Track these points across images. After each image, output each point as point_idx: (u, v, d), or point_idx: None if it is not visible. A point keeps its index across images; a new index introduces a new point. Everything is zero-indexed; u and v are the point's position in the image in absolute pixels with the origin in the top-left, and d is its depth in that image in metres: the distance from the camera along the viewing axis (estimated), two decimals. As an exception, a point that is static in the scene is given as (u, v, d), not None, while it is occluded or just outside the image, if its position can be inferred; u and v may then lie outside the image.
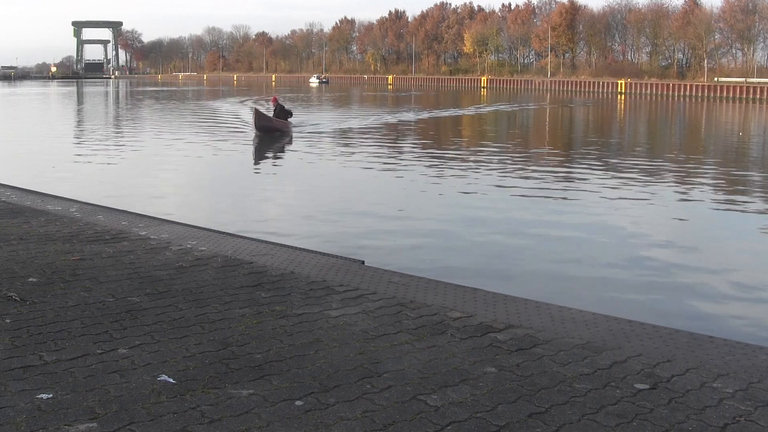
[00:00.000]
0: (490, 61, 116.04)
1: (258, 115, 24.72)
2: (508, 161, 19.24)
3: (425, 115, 40.12)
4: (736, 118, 43.53)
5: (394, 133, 27.68)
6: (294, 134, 25.09)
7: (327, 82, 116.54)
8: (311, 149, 21.43)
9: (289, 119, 26.08)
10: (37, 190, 11.02)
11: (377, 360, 4.04)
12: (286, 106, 27.45)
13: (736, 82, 72.00)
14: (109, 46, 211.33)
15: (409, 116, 38.22)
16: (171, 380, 3.71)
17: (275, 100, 26.60)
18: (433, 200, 13.07)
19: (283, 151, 21.53)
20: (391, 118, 35.71)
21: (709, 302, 7.45)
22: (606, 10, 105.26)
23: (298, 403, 3.48)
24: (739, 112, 49.67)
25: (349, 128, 29.23)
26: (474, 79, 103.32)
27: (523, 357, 4.15)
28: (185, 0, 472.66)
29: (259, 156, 21.00)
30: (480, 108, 49.23)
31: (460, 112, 44.72)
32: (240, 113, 37.72)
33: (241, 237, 7.70)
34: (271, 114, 25.66)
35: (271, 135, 24.23)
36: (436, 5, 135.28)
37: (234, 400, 3.50)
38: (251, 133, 25.13)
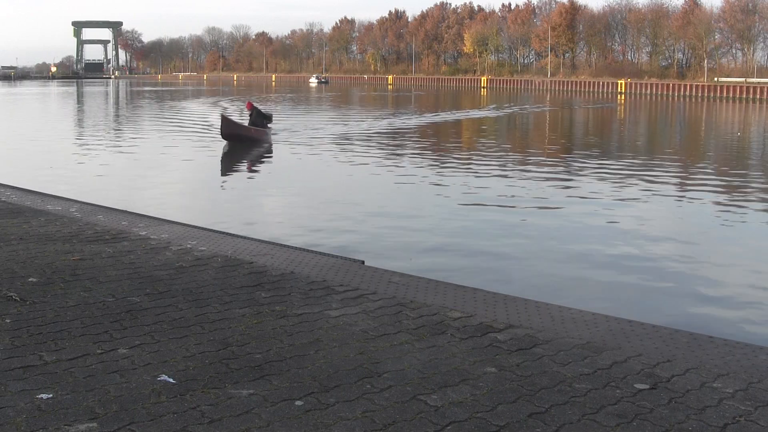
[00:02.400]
0: (490, 61, 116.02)
1: (224, 122, 21.63)
2: (509, 162, 19.24)
3: (426, 117, 40.08)
4: (736, 118, 43.52)
5: (394, 135, 27.60)
6: (274, 140, 22.85)
7: (327, 82, 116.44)
8: (308, 152, 21.34)
9: (268, 125, 23.52)
10: (37, 190, 11.03)
11: (377, 360, 4.04)
12: (264, 110, 24.38)
13: (736, 82, 71.97)
14: (109, 46, 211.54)
15: (410, 118, 38.17)
16: (171, 380, 3.71)
17: (250, 106, 23.69)
18: (433, 200, 13.07)
19: (275, 154, 20.72)
20: (390, 121, 35.59)
21: (709, 302, 7.44)
22: (606, 10, 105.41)
23: (298, 403, 3.48)
24: (739, 112, 49.66)
25: (344, 133, 27.50)
26: (474, 79, 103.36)
27: (523, 357, 4.15)
28: (185, 0, 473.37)
29: (251, 159, 19.93)
30: (481, 110, 49.19)
31: (466, 114, 44.65)
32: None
33: (241, 237, 7.70)
34: (247, 121, 23.15)
35: (241, 143, 21.32)
36: (436, 5, 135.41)
37: (234, 400, 3.50)
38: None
